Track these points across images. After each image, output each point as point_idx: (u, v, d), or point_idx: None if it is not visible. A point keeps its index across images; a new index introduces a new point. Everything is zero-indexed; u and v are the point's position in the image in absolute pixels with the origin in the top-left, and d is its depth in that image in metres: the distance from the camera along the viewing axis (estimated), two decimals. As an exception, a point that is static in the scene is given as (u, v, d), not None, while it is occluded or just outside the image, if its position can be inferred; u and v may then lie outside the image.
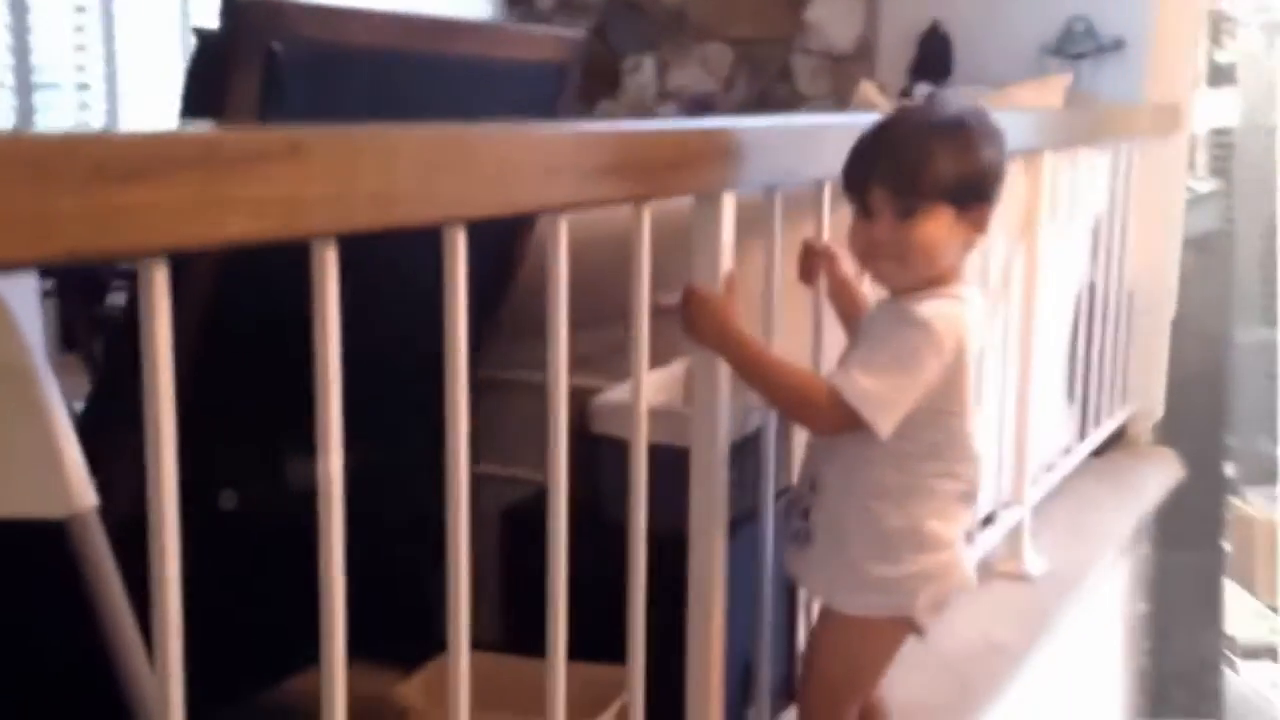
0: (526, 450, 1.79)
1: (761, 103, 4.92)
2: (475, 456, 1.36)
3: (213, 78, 1.70)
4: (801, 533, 1.89)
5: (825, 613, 1.90)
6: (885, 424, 1.74)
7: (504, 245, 2.27)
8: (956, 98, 1.98)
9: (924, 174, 1.75)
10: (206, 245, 1.01)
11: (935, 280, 1.80)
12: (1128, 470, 3.94)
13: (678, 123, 1.60)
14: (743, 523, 1.98)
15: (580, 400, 1.63)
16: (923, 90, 3.93)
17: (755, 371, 1.78)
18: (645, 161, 1.56)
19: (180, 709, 1.05)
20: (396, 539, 2.16)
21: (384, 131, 1.16)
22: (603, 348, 2.06)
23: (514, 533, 2.11)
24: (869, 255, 1.81)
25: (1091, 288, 3.58)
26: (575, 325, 1.49)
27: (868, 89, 3.73)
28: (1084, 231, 3.50)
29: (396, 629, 2.04)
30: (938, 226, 1.77)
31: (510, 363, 2.21)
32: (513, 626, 2.06)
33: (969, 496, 1.87)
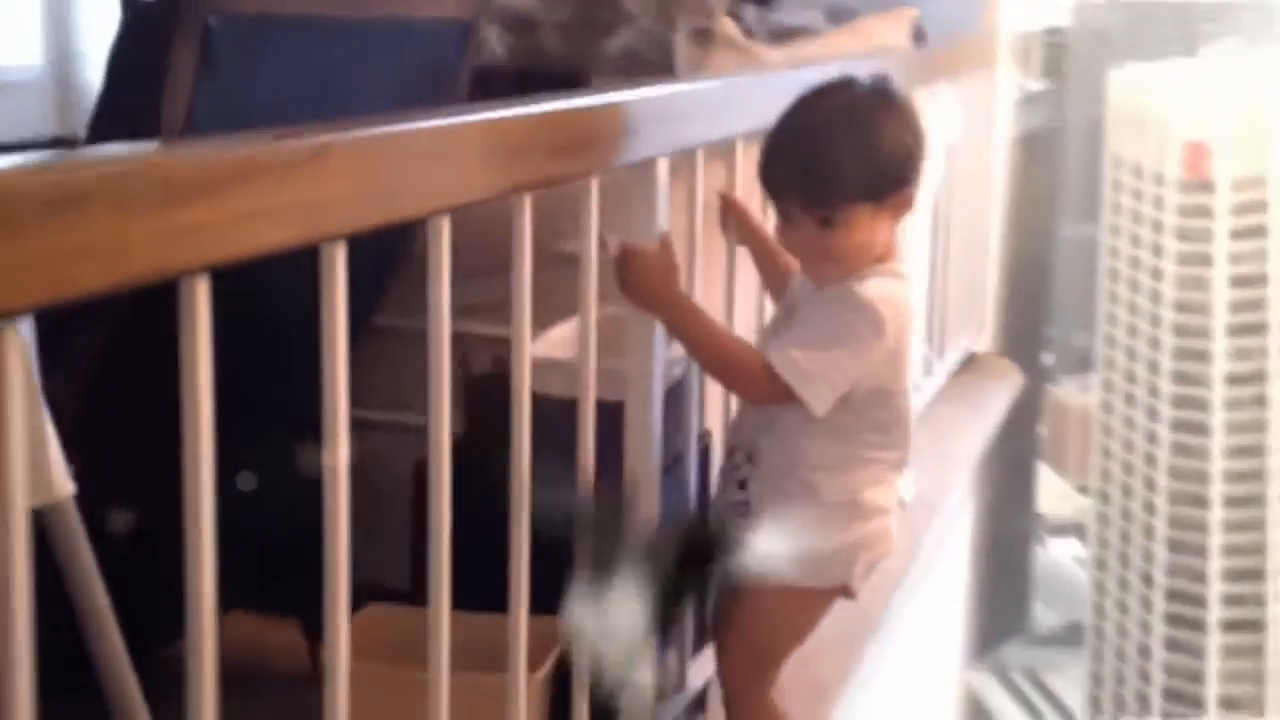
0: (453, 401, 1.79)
1: (585, 22, 4.79)
2: (389, 406, 1.32)
3: (146, 51, 1.67)
4: (739, 504, 1.86)
5: (756, 581, 1.84)
6: (820, 402, 1.73)
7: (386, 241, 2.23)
8: (860, 72, 1.87)
9: (835, 184, 1.72)
10: (244, 258, 1.02)
11: (870, 262, 1.77)
12: (975, 389, 4.01)
13: (620, 95, 1.64)
14: (667, 469, 1.97)
15: (498, 349, 1.61)
16: (750, 12, 3.77)
17: (693, 336, 1.78)
18: (591, 138, 1.60)
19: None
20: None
21: (394, 129, 1.20)
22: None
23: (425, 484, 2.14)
24: (801, 258, 1.81)
25: (937, 218, 3.63)
26: (491, 272, 1.51)
27: (725, 25, 3.68)
28: (938, 164, 3.53)
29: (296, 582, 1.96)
30: (860, 227, 1.74)
31: (419, 309, 2.18)
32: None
33: (903, 463, 1.87)
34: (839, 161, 1.72)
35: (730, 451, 1.89)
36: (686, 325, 1.78)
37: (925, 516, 3.15)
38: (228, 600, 1.13)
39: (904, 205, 1.78)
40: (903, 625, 3.02)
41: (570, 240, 1.69)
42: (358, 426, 1.24)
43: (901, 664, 3.31)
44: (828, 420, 1.76)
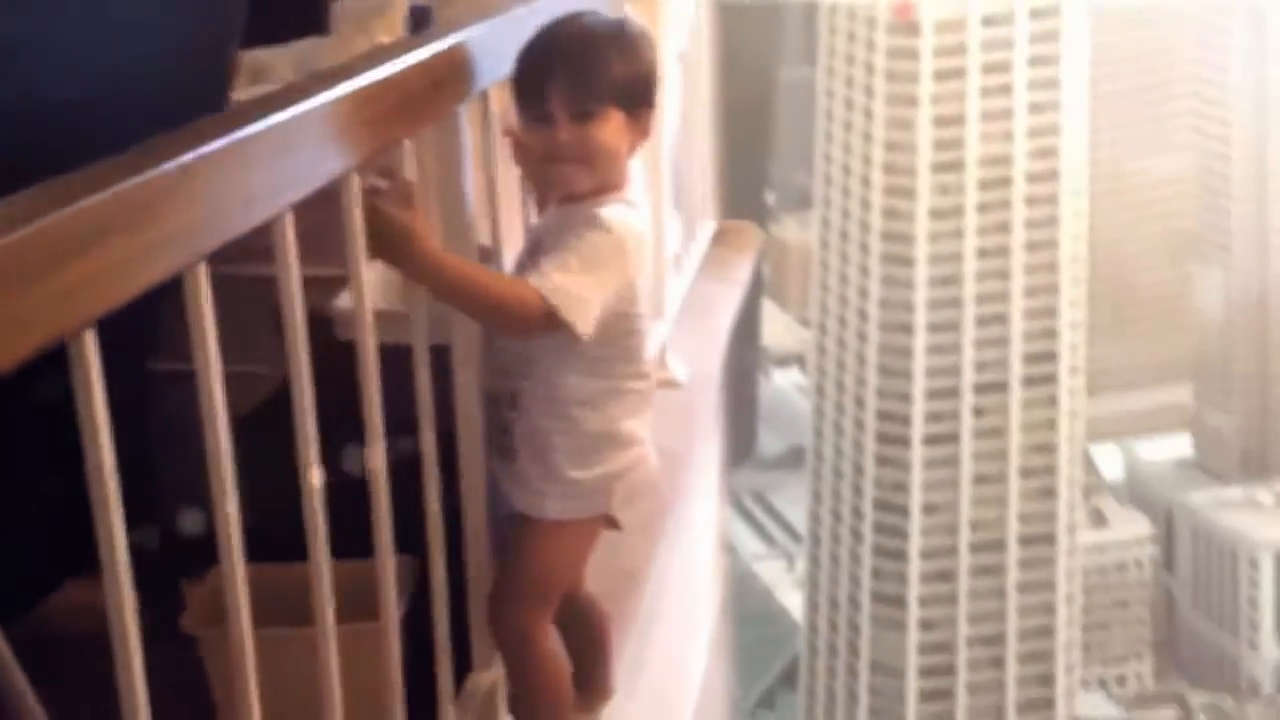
0: (265, 345, 1.69)
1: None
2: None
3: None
4: (505, 448, 1.87)
5: (525, 521, 1.88)
6: (585, 322, 1.73)
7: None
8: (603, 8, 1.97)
9: (598, 76, 1.77)
10: (127, 299, 0.98)
11: (609, 187, 1.82)
12: (724, 262, 4.11)
13: (426, 50, 1.65)
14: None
15: (312, 296, 1.54)
16: None
17: (453, 287, 1.71)
18: (405, 101, 1.58)
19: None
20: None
21: (244, 132, 1.17)
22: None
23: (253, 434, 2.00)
24: (550, 159, 1.80)
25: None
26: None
27: None
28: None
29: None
30: (613, 129, 1.79)
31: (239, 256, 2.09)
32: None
33: (652, 393, 1.92)
34: (606, 58, 1.78)
35: (492, 399, 1.89)
36: (439, 280, 1.71)
37: (692, 395, 3.21)
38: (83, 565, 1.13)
39: (646, 128, 1.84)
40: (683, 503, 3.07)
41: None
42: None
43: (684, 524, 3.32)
44: (584, 355, 1.80)
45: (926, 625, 70.32)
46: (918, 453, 74.17)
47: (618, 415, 1.85)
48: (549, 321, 1.73)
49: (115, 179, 1.00)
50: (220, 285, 1.23)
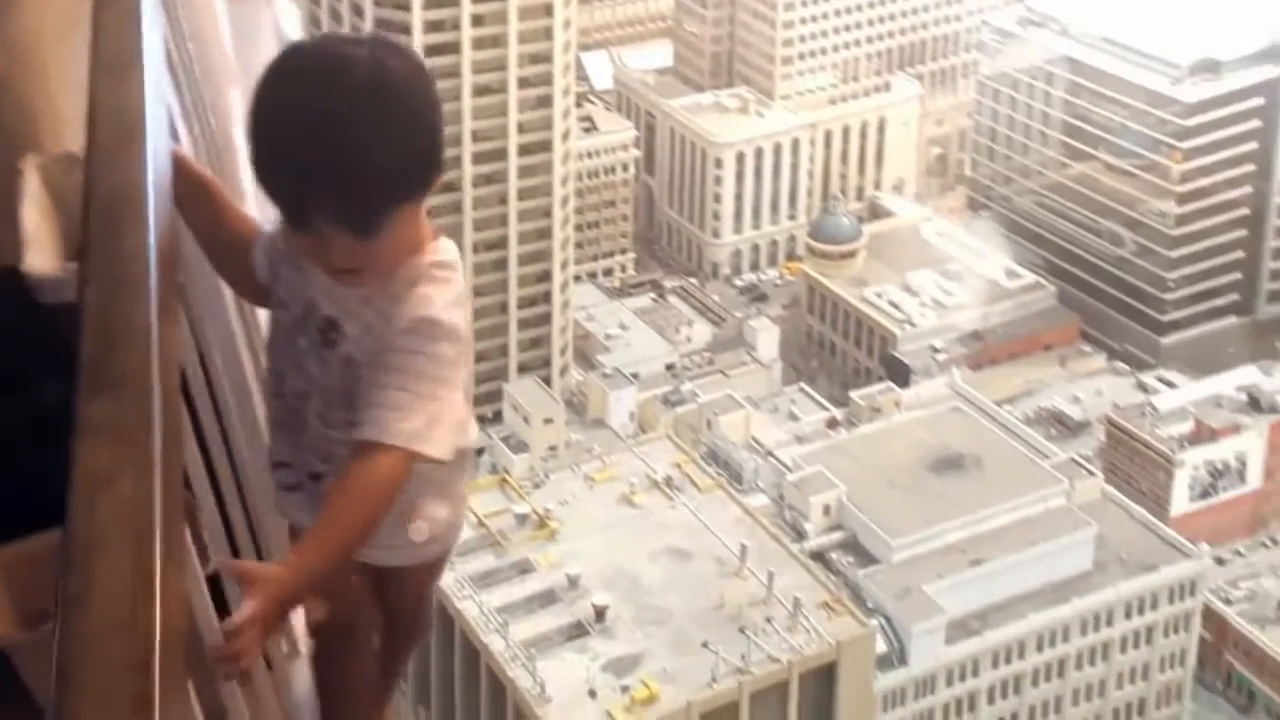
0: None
1: None
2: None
3: None
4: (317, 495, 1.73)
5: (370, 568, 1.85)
6: (445, 449, 1.63)
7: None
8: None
9: (380, 190, 1.44)
10: None
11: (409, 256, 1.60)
12: None
13: None
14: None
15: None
16: None
17: (334, 549, 1.58)
18: None
19: None
20: None
21: None
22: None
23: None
24: (328, 271, 1.56)
25: None
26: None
27: None
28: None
29: None
30: (404, 226, 1.52)
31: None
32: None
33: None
34: (381, 161, 1.47)
35: (279, 466, 1.80)
36: (322, 558, 1.58)
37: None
38: None
39: (437, 184, 1.61)
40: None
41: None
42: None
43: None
44: None
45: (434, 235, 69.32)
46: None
47: (416, 491, 1.80)
48: (410, 460, 1.62)
49: None
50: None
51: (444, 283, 1.59)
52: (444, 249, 1.62)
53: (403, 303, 1.56)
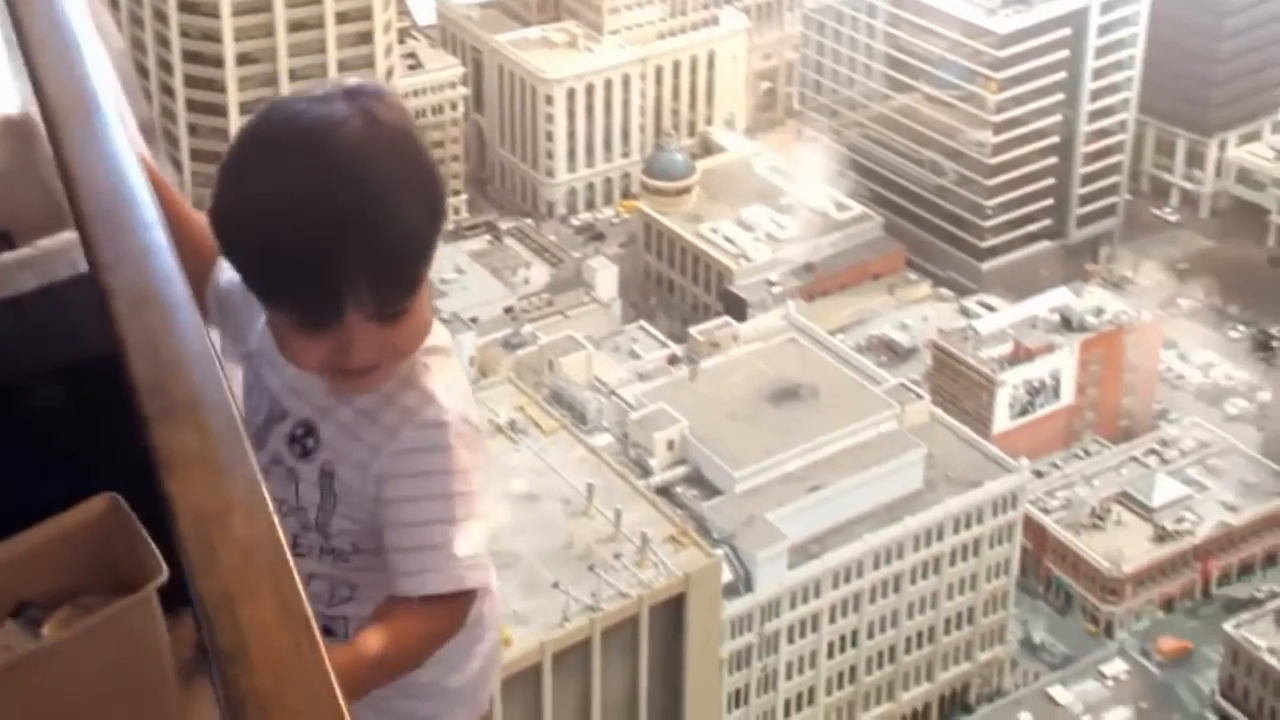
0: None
1: None
2: None
3: None
4: (334, 623, 1.51)
5: None
6: (488, 574, 1.40)
7: None
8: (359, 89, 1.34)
9: (414, 255, 1.22)
10: None
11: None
12: None
13: None
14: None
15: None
16: None
17: (372, 674, 1.35)
18: None
19: None
20: None
21: None
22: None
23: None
24: (339, 373, 1.29)
25: None
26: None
27: None
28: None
29: None
30: (421, 304, 1.29)
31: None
32: None
33: None
34: (419, 233, 1.27)
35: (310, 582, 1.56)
36: (362, 681, 1.38)
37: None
38: None
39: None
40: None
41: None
42: None
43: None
44: None
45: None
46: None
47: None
48: (469, 600, 1.40)
49: None
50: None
51: (436, 370, 1.39)
52: (435, 331, 1.42)
53: (392, 403, 1.36)
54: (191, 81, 67.99)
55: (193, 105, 68.35)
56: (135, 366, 1.32)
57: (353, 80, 1.42)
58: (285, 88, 67.96)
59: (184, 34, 67.84)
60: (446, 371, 1.40)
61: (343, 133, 1.29)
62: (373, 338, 1.29)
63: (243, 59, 68.41)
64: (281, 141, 1.31)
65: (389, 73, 72.00)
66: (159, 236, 1.38)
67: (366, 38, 70.63)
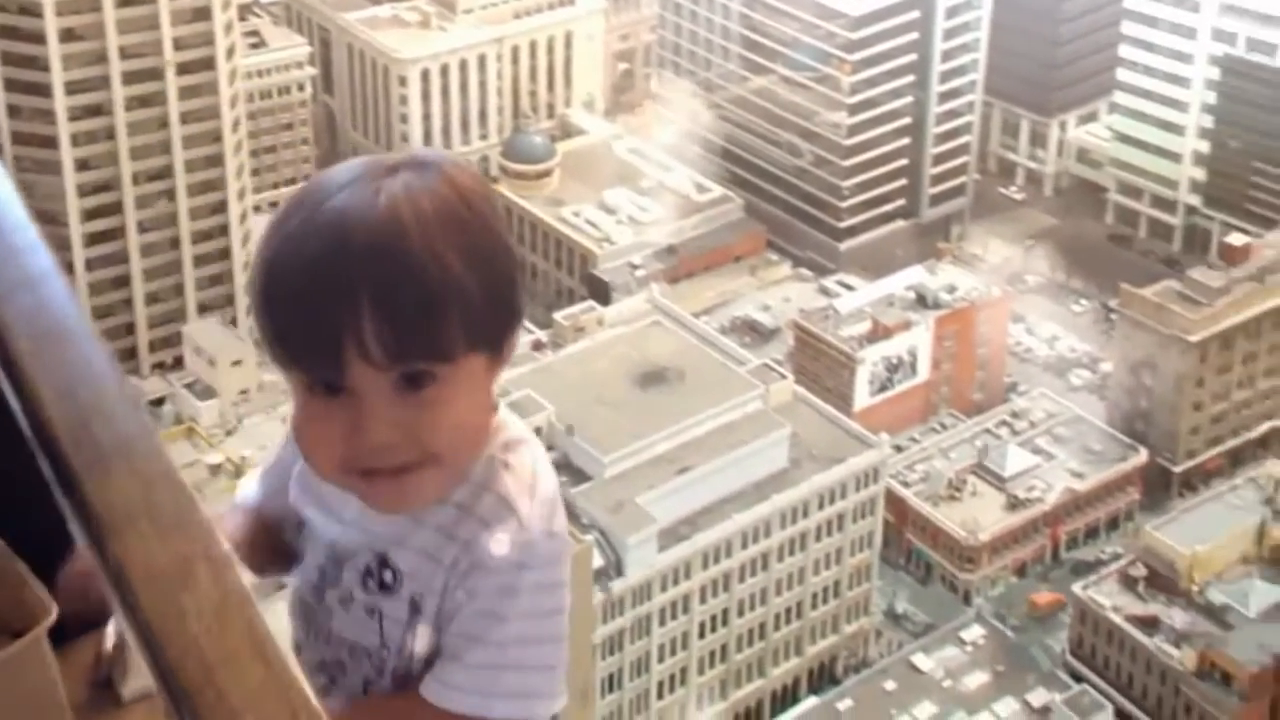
0: None
1: None
2: None
3: None
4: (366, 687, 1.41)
5: None
6: (561, 695, 1.31)
7: None
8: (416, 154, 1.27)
9: (438, 316, 1.05)
10: None
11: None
12: None
13: None
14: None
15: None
16: None
17: None
18: None
19: None
20: None
21: None
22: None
23: None
24: (361, 465, 1.13)
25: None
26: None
27: None
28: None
29: None
30: (470, 391, 1.12)
31: None
32: None
33: None
34: (437, 281, 1.09)
35: (313, 668, 1.44)
36: None
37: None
38: None
39: (512, 350, 1.22)
40: None
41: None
42: None
43: None
44: None
45: (83, 165, 65.44)
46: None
47: None
48: None
49: None
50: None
51: (518, 469, 1.28)
52: (510, 423, 1.31)
53: (470, 513, 1.24)
54: (9, 59, 65.04)
55: (11, 85, 65.46)
56: (49, 413, 1.19)
57: (380, 158, 1.34)
58: (116, 65, 65.49)
59: (6, 60, 64.65)
60: (527, 470, 1.29)
61: (395, 180, 1.22)
62: (388, 408, 1.16)
63: (66, 35, 65.72)
64: (298, 199, 1.25)
65: (230, 51, 70.01)
66: (46, 260, 1.26)
67: (204, 14, 68.34)
